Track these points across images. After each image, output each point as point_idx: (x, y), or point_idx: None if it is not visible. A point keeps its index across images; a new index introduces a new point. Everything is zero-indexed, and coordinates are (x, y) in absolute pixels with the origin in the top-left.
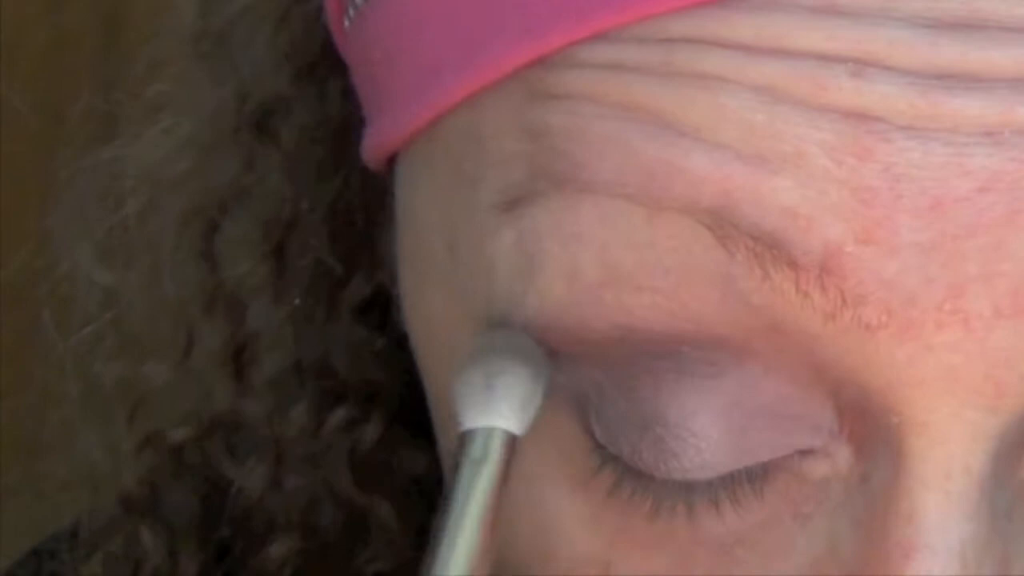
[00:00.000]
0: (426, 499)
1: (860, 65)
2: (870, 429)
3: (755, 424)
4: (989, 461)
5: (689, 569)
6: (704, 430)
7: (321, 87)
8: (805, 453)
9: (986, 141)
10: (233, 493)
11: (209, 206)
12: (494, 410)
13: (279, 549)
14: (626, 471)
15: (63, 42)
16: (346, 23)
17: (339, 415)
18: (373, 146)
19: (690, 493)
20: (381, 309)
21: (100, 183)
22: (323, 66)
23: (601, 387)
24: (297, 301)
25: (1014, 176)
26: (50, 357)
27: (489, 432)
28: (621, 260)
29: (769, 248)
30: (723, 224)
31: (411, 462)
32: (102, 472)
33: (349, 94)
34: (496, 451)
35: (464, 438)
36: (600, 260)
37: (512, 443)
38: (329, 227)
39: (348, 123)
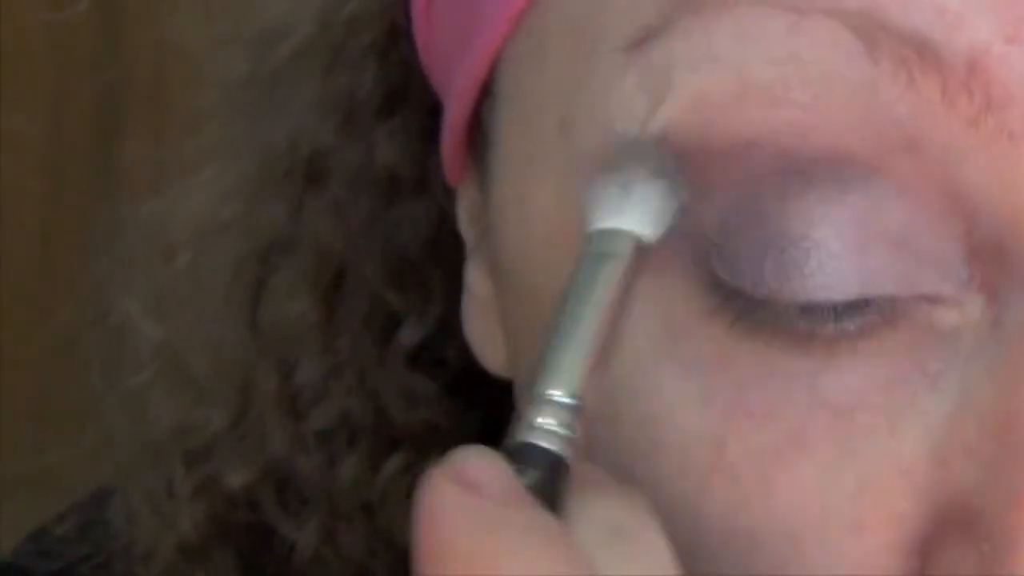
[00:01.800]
0: None
1: None
2: (1003, 270)
3: (880, 247)
4: None
5: (808, 439)
6: (827, 241)
7: (370, 131)
8: (934, 302)
9: None
10: (285, 547)
11: (258, 253)
12: (628, 214)
13: None
14: (745, 306)
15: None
16: None
17: (395, 462)
18: (468, 78)
19: (822, 320)
20: (435, 356)
21: (151, 234)
22: (372, 110)
23: (724, 217)
24: (347, 349)
25: None
26: (100, 407)
27: (620, 232)
28: (759, 76)
29: (916, 51)
30: (870, 26)
31: None
32: (156, 521)
33: (399, 136)
34: (626, 250)
35: (592, 237)
36: (735, 79)
37: (640, 251)
38: (380, 273)
39: (396, 168)
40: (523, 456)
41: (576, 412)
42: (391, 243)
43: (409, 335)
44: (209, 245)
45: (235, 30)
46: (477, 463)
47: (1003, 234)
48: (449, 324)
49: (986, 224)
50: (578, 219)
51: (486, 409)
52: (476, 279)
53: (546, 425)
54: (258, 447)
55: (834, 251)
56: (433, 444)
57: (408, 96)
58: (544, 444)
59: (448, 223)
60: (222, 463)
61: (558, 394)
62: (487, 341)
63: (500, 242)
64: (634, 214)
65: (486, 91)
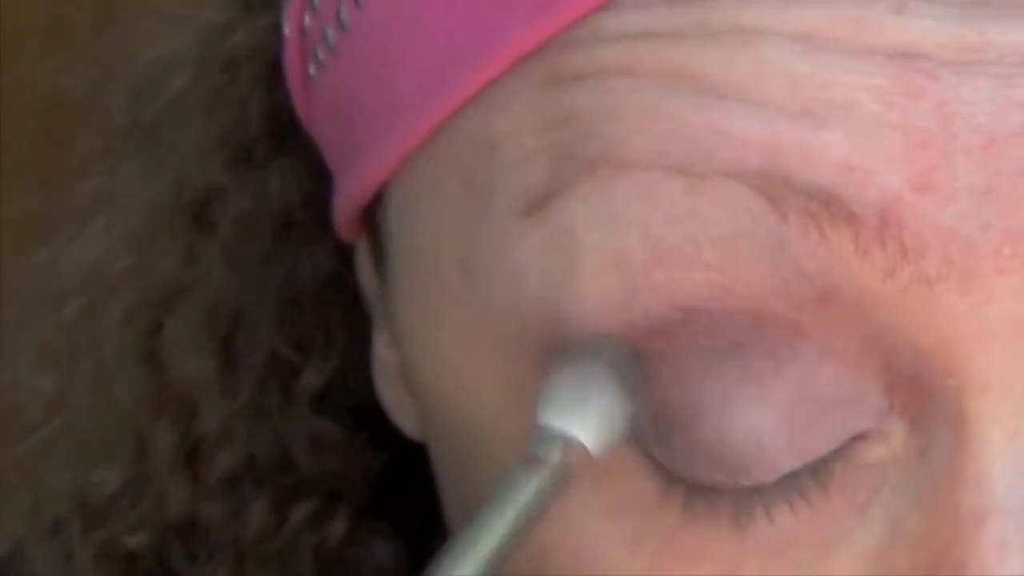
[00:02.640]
0: None
1: (900, 0)
2: (925, 399)
3: (815, 419)
4: None
5: None
6: (770, 439)
7: (260, 171)
8: (858, 438)
9: None
10: None
11: (151, 304)
12: (578, 419)
13: None
14: (692, 487)
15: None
16: (311, 70)
17: (301, 511)
18: (355, 190)
19: (763, 496)
20: (339, 397)
21: (39, 287)
22: (260, 149)
23: (660, 404)
24: (248, 396)
25: None
26: None
27: (566, 439)
28: (665, 236)
29: (825, 206)
30: (774, 184)
31: (379, 557)
32: None
33: (291, 174)
34: (562, 458)
35: (538, 435)
36: (645, 239)
37: (584, 460)
38: (278, 317)
39: (290, 208)
40: None
41: None
42: (286, 289)
43: (311, 379)
44: (100, 297)
45: (117, 73)
46: None
47: (921, 366)
48: (353, 365)
49: (904, 358)
50: (489, 364)
51: (393, 451)
52: (383, 350)
53: None
54: (158, 504)
55: (779, 447)
56: (341, 495)
57: (298, 134)
58: None
59: (349, 264)
60: (120, 525)
61: None
62: (398, 407)
63: (409, 357)
64: (587, 420)
65: (377, 198)
